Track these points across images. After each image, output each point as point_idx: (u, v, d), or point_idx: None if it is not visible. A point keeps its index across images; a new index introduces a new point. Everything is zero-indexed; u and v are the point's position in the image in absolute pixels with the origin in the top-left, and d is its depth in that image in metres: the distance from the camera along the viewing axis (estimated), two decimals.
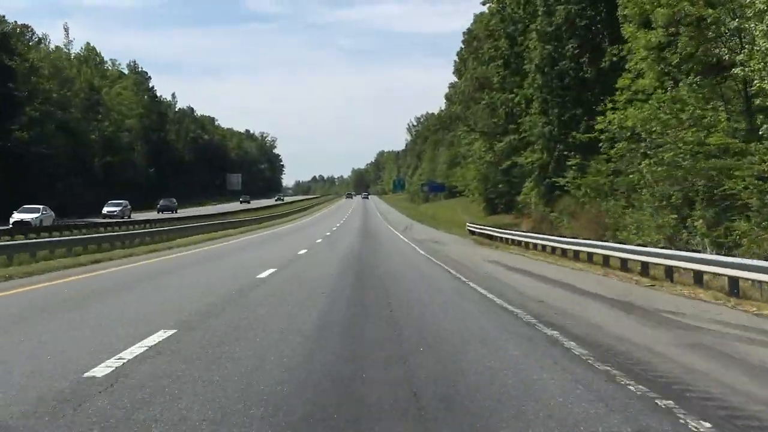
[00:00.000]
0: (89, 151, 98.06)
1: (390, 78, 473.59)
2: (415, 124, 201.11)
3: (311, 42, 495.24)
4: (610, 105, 32.27)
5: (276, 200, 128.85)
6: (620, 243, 21.07)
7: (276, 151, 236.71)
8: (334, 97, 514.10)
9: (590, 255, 20.56)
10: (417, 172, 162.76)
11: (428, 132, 54.88)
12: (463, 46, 62.88)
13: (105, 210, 57.74)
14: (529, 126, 48.08)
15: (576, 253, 21.81)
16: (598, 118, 33.61)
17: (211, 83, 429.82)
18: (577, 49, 45.24)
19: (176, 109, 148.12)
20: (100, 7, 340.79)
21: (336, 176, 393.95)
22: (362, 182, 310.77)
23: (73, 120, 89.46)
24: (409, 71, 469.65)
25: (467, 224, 41.90)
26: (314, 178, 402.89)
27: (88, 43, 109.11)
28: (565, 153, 46.10)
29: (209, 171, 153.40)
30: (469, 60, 59.85)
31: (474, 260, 21.61)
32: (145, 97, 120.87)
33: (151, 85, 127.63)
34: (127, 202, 59.58)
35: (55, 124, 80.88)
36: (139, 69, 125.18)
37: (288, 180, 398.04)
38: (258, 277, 14.82)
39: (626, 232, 31.76)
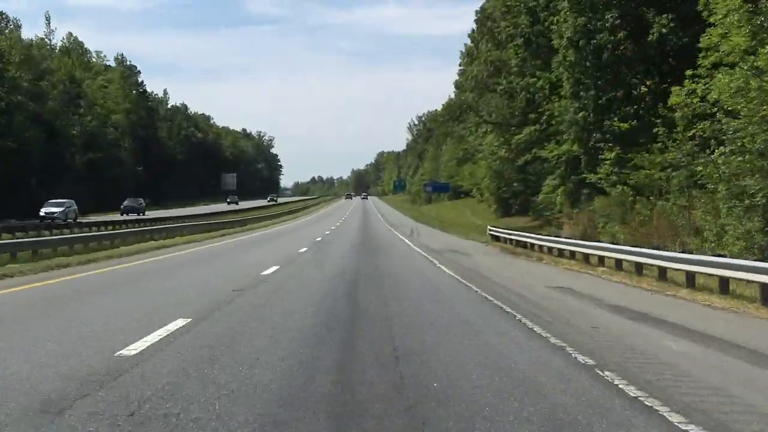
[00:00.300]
0: (69, 146, 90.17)
1: (389, 80, 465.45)
2: (416, 123, 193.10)
3: (311, 44, 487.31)
4: (689, 72, 24.37)
5: (269, 201, 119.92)
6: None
7: (273, 150, 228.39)
8: (334, 99, 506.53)
9: (724, 282, 12.55)
10: (418, 172, 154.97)
11: (435, 124, 47.90)
12: (475, 27, 54.85)
13: (43, 211, 46.19)
14: (559, 112, 40.03)
15: (690, 276, 13.80)
16: (673, 89, 25.61)
17: (211, 85, 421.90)
18: (617, 20, 37.21)
19: (168, 106, 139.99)
20: (100, 9, 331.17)
21: (335, 177, 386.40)
22: (362, 183, 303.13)
23: (48, 112, 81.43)
24: (409, 73, 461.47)
25: (489, 228, 33.85)
26: (313, 179, 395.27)
27: (70, 33, 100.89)
28: (600, 144, 38.35)
29: (203, 170, 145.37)
30: (482, 42, 51.80)
31: (534, 288, 13.56)
32: (133, 91, 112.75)
33: (140, 79, 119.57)
34: (72, 201, 49.01)
35: (25, 116, 72.92)
36: (128, 62, 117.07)
37: (287, 181, 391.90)
38: (128, 351, 6.68)
39: (699, 239, 23.90)
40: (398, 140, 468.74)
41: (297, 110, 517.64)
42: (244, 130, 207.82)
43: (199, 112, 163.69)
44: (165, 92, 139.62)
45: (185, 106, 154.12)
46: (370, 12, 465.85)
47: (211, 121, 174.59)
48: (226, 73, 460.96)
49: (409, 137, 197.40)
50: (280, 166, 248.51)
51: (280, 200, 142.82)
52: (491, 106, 54.09)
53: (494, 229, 33.25)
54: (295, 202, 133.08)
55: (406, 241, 32.83)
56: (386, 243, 31.51)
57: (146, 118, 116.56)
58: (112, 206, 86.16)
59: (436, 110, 50.68)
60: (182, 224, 40.99)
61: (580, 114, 38.08)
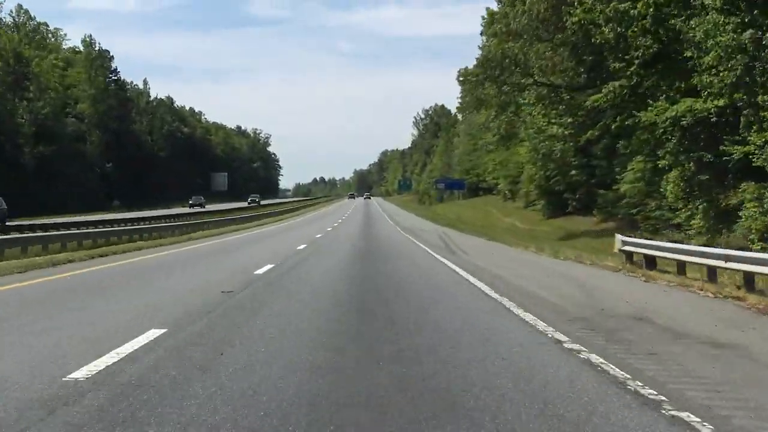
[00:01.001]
0: (14, 136, 73.42)
1: (390, 81, 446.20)
2: (422, 116, 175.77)
3: (311, 45, 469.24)
4: None
5: (249, 203, 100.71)
6: None
7: (270, 149, 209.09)
8: (335, 100, 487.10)
9: None
10: (426, 170, 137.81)
11: (469, 88, 34.74)
12: None
13: None
14: (703, 35, 22.62)
15: None
16: None
17: (212, 87, 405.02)
18: None
19: (150, 98, 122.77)
20: (101, 11, 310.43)
21: (338, 178, 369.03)
22: (365, 183, 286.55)
23: None
24: (409, 74, 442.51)
25: (621, 240, 16.45)
26: (314, 180, 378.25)
27: (20, 6, 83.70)
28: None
29: (190, 169, 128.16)
30: None
31: None
32: (99, 77, 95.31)
33: (114, 66, 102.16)
34: None
35: None
36: (98, 46, 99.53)
37: (288, 182, 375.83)
38: None
39: None
40: (401, 141, 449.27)
41: (298, 111, 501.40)
42: (238, 127, 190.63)
43: (187, 107, 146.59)
44: (145, 82, 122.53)
45: (171, 99, 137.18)
46: (370, 13, 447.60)
47: (202, 117, 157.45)
48: (226, 75, 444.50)
49: (415, 132, 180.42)
50: (279, 166, 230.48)
51: (275, 201, 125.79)
52: (545, 60, 36.90)
53: (630, 240, 15.93)
54: (288, 203, 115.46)
55: (453, 266, 15.65)
56: (415, 270, 14.44)
57: (119, 108, 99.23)
58: (68, 208, 69.48)
59: (467, 68, 36.72)
60: (74, 232, 24.03)
61: (747, 33, 20.94)
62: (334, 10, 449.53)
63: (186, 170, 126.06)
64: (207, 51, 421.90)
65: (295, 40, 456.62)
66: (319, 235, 30.47)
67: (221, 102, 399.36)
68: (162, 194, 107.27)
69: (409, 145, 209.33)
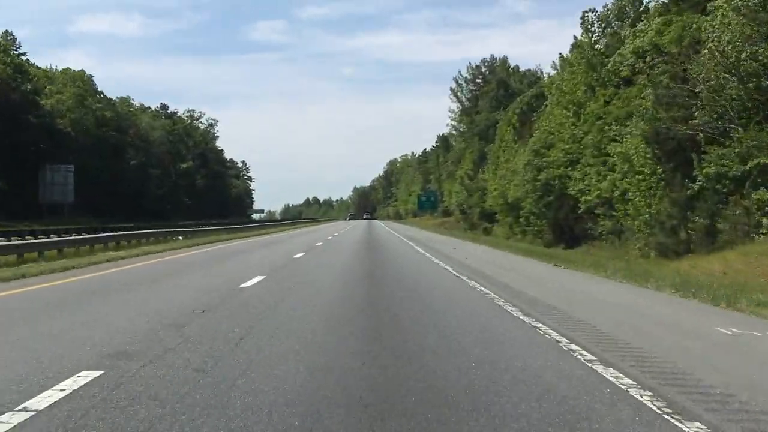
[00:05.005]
0: None
1: (392, 106, 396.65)
2: (468, 77, 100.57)
3: (314, 71, 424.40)
4: None
5: None
6: None
7: (219, 143, 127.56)
8: (337, 125, 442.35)
9: None
10: (500, 159, 61.89)
11: None
12: None
13: None
14: None
15: None
16: None
17: (214, 112, 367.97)
18: None
19: None
20: (102, 36, 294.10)
21: (334, 199, 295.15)
22: (366, 203, 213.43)
23: None
24: (412, 100, 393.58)
25: None
26: (307, 200, 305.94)
27: None
28: None
29: None
30: None
31: None
32: None
33: None
34: None
35: None
36: None
37: (276, 203, 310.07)
38: None
39: None
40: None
41: (298, 135, 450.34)
42: (162, 104, 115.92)
43: None
44: None
45: None
46: (373, 39, 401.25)
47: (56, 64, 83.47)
48: (226, 100, 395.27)
49: (456, 108, 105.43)
50: (249, 178, 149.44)
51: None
52: None
53: None
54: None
55: None
56: None
57: None
58: None
59: None
60: None
61: None
62: (336, 36, 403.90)
63: None
64: (208, 76, 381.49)
65: (296, 65, 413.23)
66: None
67: (222, 126, 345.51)
68: None
69: (435, 143, 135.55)
